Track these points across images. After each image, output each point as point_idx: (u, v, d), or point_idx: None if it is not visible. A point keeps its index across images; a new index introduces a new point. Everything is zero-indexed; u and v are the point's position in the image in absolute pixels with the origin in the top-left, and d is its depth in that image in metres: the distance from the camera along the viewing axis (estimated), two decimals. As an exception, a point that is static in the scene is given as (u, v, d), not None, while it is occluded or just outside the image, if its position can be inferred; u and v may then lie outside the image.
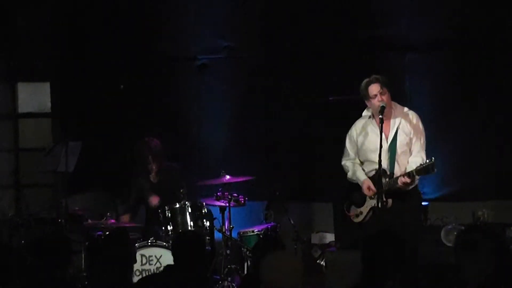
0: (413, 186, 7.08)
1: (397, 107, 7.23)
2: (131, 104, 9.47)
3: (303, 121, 9.70)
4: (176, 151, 9.12)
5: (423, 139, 7.13)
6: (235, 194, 8.38)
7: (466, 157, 9.10)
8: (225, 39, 9.83)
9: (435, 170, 6.77)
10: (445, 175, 9.16)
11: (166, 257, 7.55)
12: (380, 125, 6.99)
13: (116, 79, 9.42)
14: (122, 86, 8.75)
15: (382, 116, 6.99)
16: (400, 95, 8.39)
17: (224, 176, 8.34)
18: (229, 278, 8.00)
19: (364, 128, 7.29)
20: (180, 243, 5.71)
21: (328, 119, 9.27)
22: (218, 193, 8.33)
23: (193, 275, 5.41)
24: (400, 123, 7.15)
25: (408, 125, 7.14)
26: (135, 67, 9.81)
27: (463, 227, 7.44)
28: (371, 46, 9.52)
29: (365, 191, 7.15)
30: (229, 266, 8.13)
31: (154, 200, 8.39)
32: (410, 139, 7.12)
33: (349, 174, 7.38)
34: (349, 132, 7.42)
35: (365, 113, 7.31)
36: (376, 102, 7.09)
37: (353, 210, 7.33)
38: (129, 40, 9.84)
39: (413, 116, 7.20)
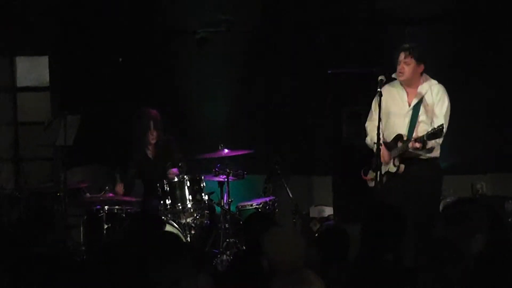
0: (429, 154, 7.11)
1: (427, 78, 7.26)
2: (130, 78, 9.44)
3: (302, 95, 9.67)
4: (175, 124, 9.10)
5: (445, 110, 7.14)
6: (234, 170, 8.37)
7: (465, 130, 9.05)
8: (224, 13, 9.77)
9: (443, 133, 6.84)
10: (444, 148, 9.12)
11: (165, 231, 7.55)
12: (379, 98, 6.98)
13: (115, 53, 9.39)
14: (121, 60, 8.73)
15: (380, 90, 7.00)
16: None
17: (223, 150, 8.34)
18: (228, 252, 8.02)
19: (390, 91, 7.28)
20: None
21: (328, 92, 9.23)
22: (217, 169, 8.32)
23: None
24: (425, 93, 7.17)
25: (432, 96, 7.17)
26: (134, 41, 9.77)
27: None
28: (372, 18, 9.47)
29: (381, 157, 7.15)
30: (228, 240, 8.15)
31: (174, 172, 8.38)
32: (432, 110, 7.13)
33: (368, 139, 7.37)
34: (377, 93, 7.41)
35: (395, 75, 7.31)
36: (398, 69, 7.19)
37: (370, 174, 7.34)
38: (128, 13, 9.79)
39: (439, 89, 7.22)
